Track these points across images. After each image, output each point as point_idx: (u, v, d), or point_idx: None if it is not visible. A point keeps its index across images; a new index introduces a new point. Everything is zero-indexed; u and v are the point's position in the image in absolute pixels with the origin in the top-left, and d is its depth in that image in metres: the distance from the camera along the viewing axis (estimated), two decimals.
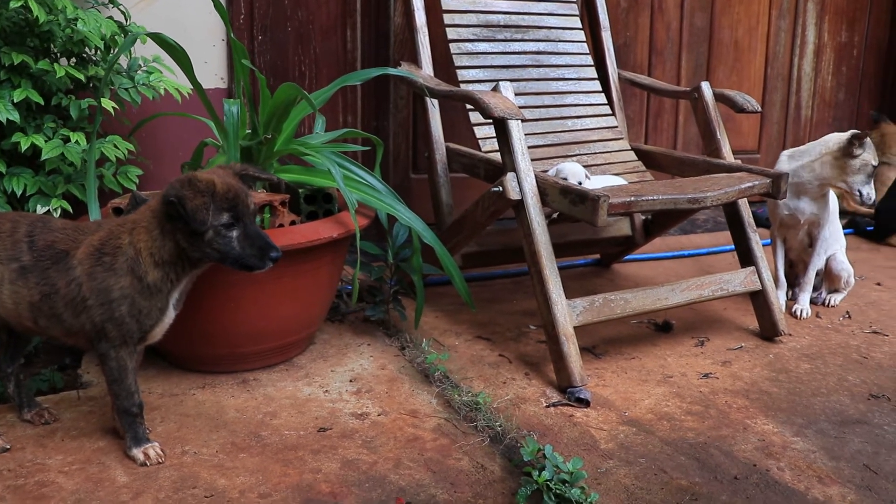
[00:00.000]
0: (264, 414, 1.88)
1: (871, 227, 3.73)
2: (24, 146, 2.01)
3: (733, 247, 2.51)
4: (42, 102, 2.05)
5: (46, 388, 2.00)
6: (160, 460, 1.67)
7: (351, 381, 2.07)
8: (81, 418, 1.84)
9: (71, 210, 2.14)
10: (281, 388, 2.02)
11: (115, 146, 2.18)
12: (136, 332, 1.63)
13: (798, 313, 2.63)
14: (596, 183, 2.34)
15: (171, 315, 1.69)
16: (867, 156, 2.49)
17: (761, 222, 3.38)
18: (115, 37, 2.18)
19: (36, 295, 1.61)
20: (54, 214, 2.08)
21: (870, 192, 2.50)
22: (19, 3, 1.90)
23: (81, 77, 2.12)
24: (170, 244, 1.61)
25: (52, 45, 2.17)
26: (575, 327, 2.03)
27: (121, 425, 1.70)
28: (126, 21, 2.34)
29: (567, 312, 2.02)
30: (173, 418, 1.85)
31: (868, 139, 2.49)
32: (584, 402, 1.96)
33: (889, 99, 4.37)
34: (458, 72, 2.54)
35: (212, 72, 2.77)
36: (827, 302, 2.75)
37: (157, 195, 1.65)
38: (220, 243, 1.59)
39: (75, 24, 2.05)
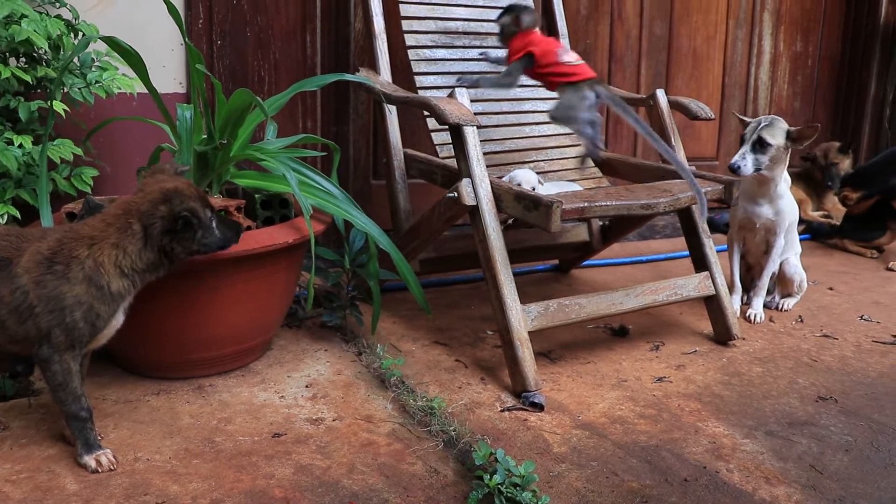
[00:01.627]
0: (219, 420, 1.87)
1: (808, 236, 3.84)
2: None
3: (688, 249, 2.55)
4: None
5: None
6: (112, 467, 1.65)
7: (307, 386, 2.07)
8: (32, 426, 1.81)
9: (19, 216, 2.11)
10: (236, 394, 2.01)
11: (60, 148, 2.15)
12: (88, 336, 1.62)
13: (752, 317, 2.67)
14: (549, 189, 2.35)
15: (119, 319, 1.68)
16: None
17: (718, 228, 3.44)
18: (63, 37, 2.15)
19: None
20: (1, 221, 2.05)
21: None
22: None
23: (29, 78, 2.08)
24: (152, 254, 1.66)
25: None
26: (530, 332, 2.05)
27: (71, 432, 1.68)
28: (75, 20, 2.30)
29: (521, 317, 2.04)
30: (127, 425, 1.83)
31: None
32: (539, 407, 1.97)
33: (843, 108, 4.47)
34: (417, 78, 2.55)
35: (170, 76, 2.75)
36: (780, 306, 2.80)
37: (123, 210, 1.65)
38: (209, 237, 1.72)
39: (19, 24, 2.01)
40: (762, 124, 2.52)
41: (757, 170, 2.52)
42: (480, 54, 2.65)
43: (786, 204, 2.64)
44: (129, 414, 1.89)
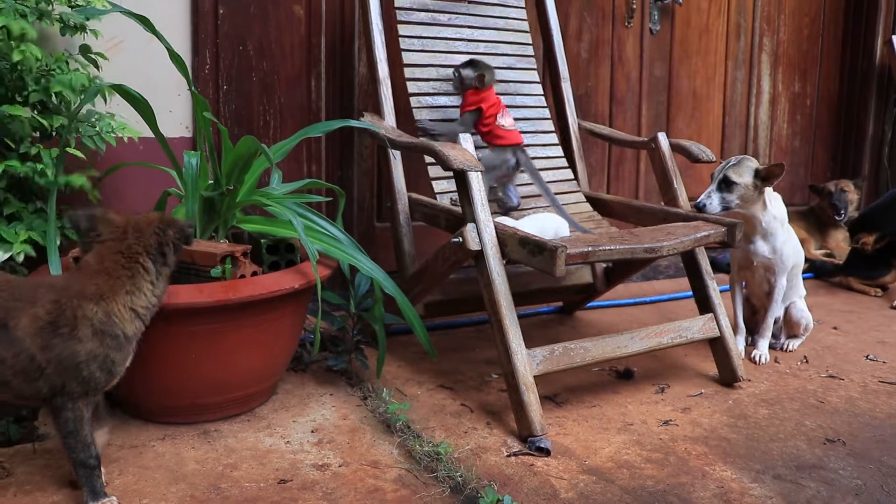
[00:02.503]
0: (224, 466, 1.86)
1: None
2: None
3: (692, 291, 2.55)
4: (12, 146, 2.05)
5: (0, 440, 1.96)
6: None
7: (313, 431, 2.06)
8: (37, 472, 1.81)
9: (34, 254, 2.13)
10: (242, 440, 2.00)
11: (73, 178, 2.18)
12: (104, 383, 1.63)
13: (757, 359, 2.67)
14: (528, 223, 2.36)
15: (131, 356, 1.70)
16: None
17: (721, 268, 3.45)
18: (86, 86, 2.19)
19: None
20: (17, 259, 2.07)
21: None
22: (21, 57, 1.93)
23: (47, 125, 2.12)
24: (164, 282, 1.71)
25: (17, 95, 2.17)
26: (535, 376, 2.05)
27: (78, 479, 1.67)
28: (97, 68, 2.35)
29: (527, 362, 2.04)
30: (132, 471, 1.83)
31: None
32: (545, 452, 1.97)
33: (842, 147, 4.51)
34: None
35: (177, 121, 2.78)
36: (785, 347, 2.80)
37: (124, 256, 1.65)
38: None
39: (50, 77, 2.06)
40: (730, 163, 2.54)
41: (725, 208, 2.53)
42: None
43: (786, 244, 2.63)
44: (134, 459, 1.88)
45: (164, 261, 1.69)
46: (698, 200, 2.51)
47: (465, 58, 2.74)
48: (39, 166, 2.06)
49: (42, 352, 1.56)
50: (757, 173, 2.52)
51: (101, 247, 1.67)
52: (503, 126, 2.55)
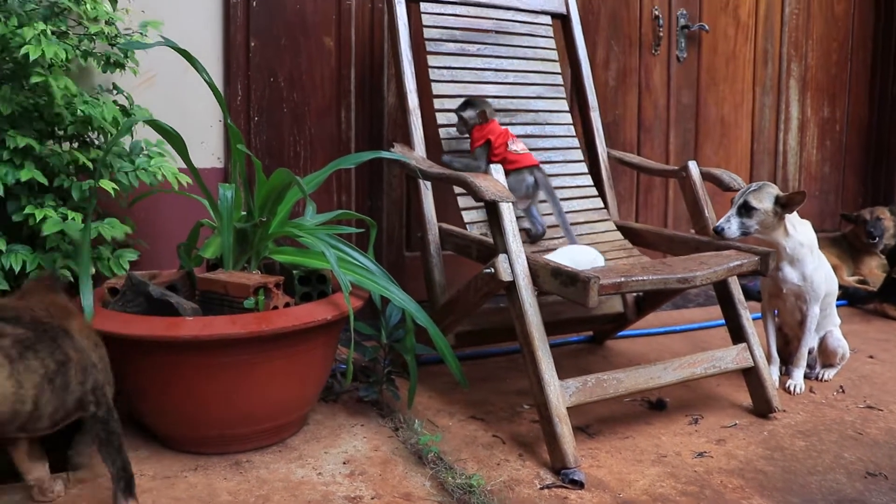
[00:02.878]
0: (257, 497, 1.86)
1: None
2: (38, 217, 2.05)
3: (724, 320, 2.53)
4: (46, 183, 2.09)
5: None
6: None
7: (344, 462, 2.06)
8: (69, 502, 1.82)
9: (73, 279, 2.16)
10: (274, 471, 2.00)
11: (112, 227, 2.22)
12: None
13: (792, 388, 2.63)
14: (563, 255, 2.35)
15: None
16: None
17: (752, 295, 3.41)
18: (118, 120, 2.23)
19: (51, 364, 1.62)
20: None
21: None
22: (40, 79, 1.96)
23: (84, 159, 2.16)
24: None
25: (56, 129, 2.22)
26: (568, 407, 2.03)
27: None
28: (130, 105, 2.40)
29: (560, 393, 2.03)
30: (164, 502, 1.83)
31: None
32: (579, 484, 1.95)
33: (872, 173, 4.47)
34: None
35: (209, 152, 2.82)
36: (820, 376, 2.76)
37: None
38: None
39: (81, 109, 2.10)
40: (751, 189, 2.52)
41: (744, 233, 2.51)
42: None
43: (816, 271, 2.60)
44: (166, 490, 1.89)
45: None
46: (717, 224, 2.50)
47: (494, 88, 2.76)
48: (72, 215, 2.09)
49: (94, 349, 1.74)
50: (777, 200, 2.50)
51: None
52: (515, 151, 2.58)
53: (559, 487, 1.94)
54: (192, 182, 2.27)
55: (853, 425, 2.36)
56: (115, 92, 2.44)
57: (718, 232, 2.49)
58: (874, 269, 3.94)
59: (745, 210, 2.49)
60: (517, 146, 2.60)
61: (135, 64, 2.40)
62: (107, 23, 2.31)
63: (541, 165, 2.60)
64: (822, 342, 2.74)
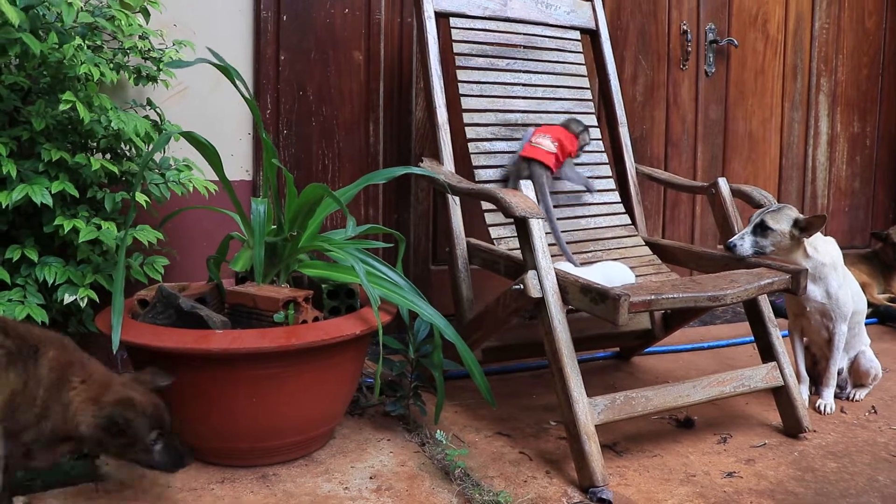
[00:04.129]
0: None
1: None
2: (66, 229, 2.06)
3: (753, 338, 2.50)
4: (77, 195, 2.12)
5: (63, 478, 1.97)
6: None
7: (371, 477, 2.05)
8: None
9: (98, 300, 2.18)
10: (300, 485, 2.00)
11: (146, 233, 2.25)
12: None
13: (822, 408, 2.60)
14: (594, 272, 2.34)
15: None
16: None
17: (781, 313, 3.38)
18: (150, 134, 2.26)
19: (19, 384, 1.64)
20: (81, 304, 2.12)
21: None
22: (68, 106, 1.99)
23: (116, 171, 2.19)
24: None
25: (89, 142, 2.25)
26: (596, 426, 2.02)
27: None
28: (161, 121, 2.43)
29: (588, 411, 2.01)
30: None
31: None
32: (607, 503, 1.93)
33: None
34: (476, 171, 2.60)
35: (237, 164, 2.84)
36: (851, 396, 2.72)
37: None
38: (143, 454, 1.74)
39: (112, 124, 2.13)
40: (770, 209, 2.50)
41: (757, 252, 2.47)
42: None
43: (841, 289, 2.56)
44: (193, 502, 1.89)
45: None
46: (730, 240, 2.48)
47: (523, 103, 2.76)
48: (105, 224, 2.12)
49: (55, 387, 1.69)
50: (796, 223, 2.47)
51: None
52: (532, 142, 2.61)
53: None
54: (219, 191, 2.28)
55: (886, 447, 2.33)
56: (147, 107, 2.47)
57: (730, 248, 2.47)
58: None
59: (761, 229, 2.47)
60: (541, 139, 2.62)
61: (168, 76, 2.43)
62: (140, 37, 2.34)
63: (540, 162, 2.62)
64: (854, 362, 2.71)
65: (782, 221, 2.47)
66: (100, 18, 2.18)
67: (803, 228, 2.47)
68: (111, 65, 2.21)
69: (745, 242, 2.47)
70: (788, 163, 4.06)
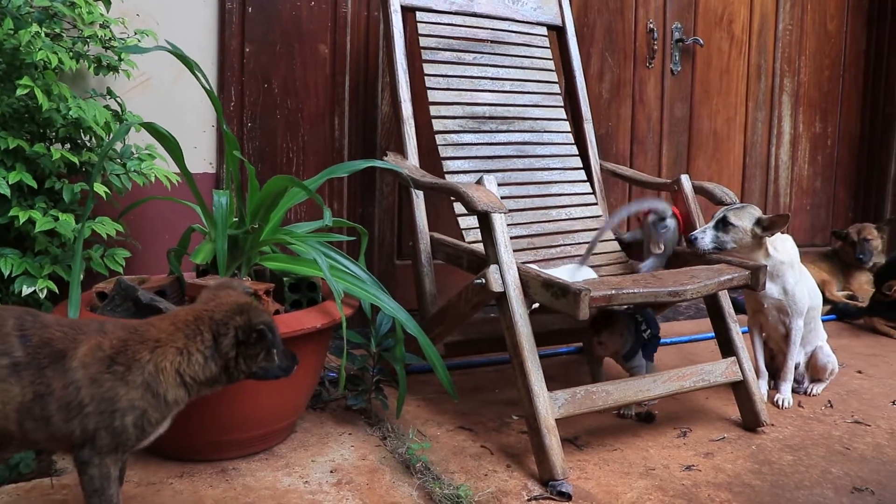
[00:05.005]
0: None
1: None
2: (22, 219, 2.03)
3: (714, 334, 2.53)
4: (35, 185, 2.08)
5: (13, 475, 1.93)
6: None
7: (331, 471, 2.05)
8: None
9: (57, 291, 2.15)
10: (260, 479, 1.99)
11: (104, 225, 2.21)
12: (134, 441, 1.58)
13: (780, 403, 2.63)
14: (561, 273, 2.36)
15: (166, 426, 1.65)
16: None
17: (741, 309, 3.42)
18: (111, 124, 2.23)
19: (29, 394, 1.52)
20: (40, 295, 2.09)
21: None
22: (25, 91, 1.96)
23: (75, 161, 2.16)
24: (216, 367, 1.62)
25: (48, 131, 2.21)
26: (557, 419, 2.03)
27: None
28: (122, 111, 2.40)
29: (549, 405, 2.02)
30: None
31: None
32: (566, 496, 1.94)
33: (864, 187, 4.49)
34: (444, 163, 2.59)
35: (201, 157, 2.81)
36: (809, 391, 2.76)
37: (194, 317, 1.63)
38: (271, 360, 1.69)
39: (71, 112, 2.10)
40: (733, 206, 2.54)
41: (717, 248, 2.51)
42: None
43: (798, 285, 2.60)
44: (151, 497, 1.88)
45: (220, 344, 1.62)
46: (692, 234, 2.51)
47: (490, 96, 2.76)
48: (63, 216, 2.08)
49: (90, 385, 1.53)
50: (759, 222, 2.51)
51: (189, 306, 1.69)
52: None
53: (547, 499, 1.94)
54: (182, 184, 2.26)
55: (840, 440, 2.37)
56: (108, 97, 2.44)
57: (691, 241, 2.50)
58: (864, 285, 3.96)
59: (723, 225, 2.50)
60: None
61: (129, 67, 2.40)
62: (101, 26, 2.30)
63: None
64: (812, 357, 2.75)
65: (745, 219, 2.51)
66: (58, 4, 2.14)
67: (766, 227, 2.50)
68: (70, 53, 2.17)
69: (706, 237, 2.50)
70: (752, 161, 4.11)
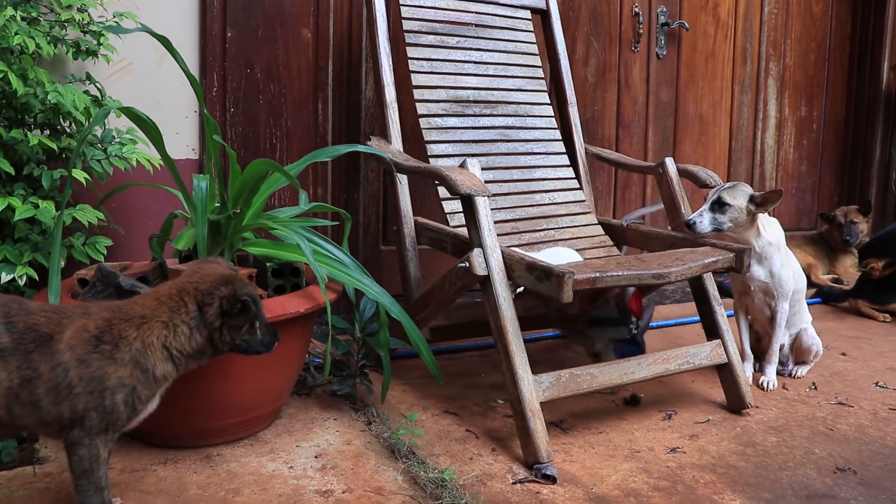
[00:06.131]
0: (227, 491, 1.85)
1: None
2: (0, 207, 2.00)
3: (699, 317, 2.54)
4: (13, 172, 2.06)
5: None
6: None
7: (316, 456, 2.04)
8: (36, 496, 1.79)
9: (37, 278, 2.13)
10: (245, 464, 1.98)
11: (85, 212, 2.19)
12: (125, 420, 1.59)
13: (765, 385, 2.65)
14: (548, 256, 2.36)
15: (155, 403, 1.66)
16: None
17: (727, 292, 3.43)
18: (90, 110, 2.20)
19: (16, 379, 1.52)
20: (20, 282, 2.07)
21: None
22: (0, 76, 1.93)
23: (54, 147, 2.13)
24: (202, 338, 1.65)
25: (26, 116, 2.19)
26: (541, 402, 2.03)
27: None
28: (102, 97, 2.37)
29: (533, 388, 2.02)
30: (133, 495, 1.81)
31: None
32: (551, 479, 1.94)
33: (849, 171, 4.50)
34: (428, 146, 2.58)
35: (183, 142, 2.79)
36: (793, 373, 2.77)
37: (177, 289, 1.65)
38: (254, 334, 1.72)
39: (49, 97, 2.07)
40: (725, 186, 2.54)
41: (716, 230, 2.52)
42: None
43: (784, 268, 2.61)
44: (135, 484, 1.87)
45: (205, 315, 1.64)
46: (689, 218, 2.51)
47: (474, 80, 2.75)
48: (43, 203, 2.06)
49: (78, 366, 1.53)
50: (752, 199, 2.52)
51: (170, 281, 1.71)
52: None
53: (532, 482, 1.94)
54: (165, 170, 2.24)
55: (824, 421, 2.38)
56: (87, 82, 2.41)
57: (690, 226, 2.50)
58: (849, 268, 3.98)
59: (719, 206, 2.51)
60: None
61: (109, 51, 2.37)
62: (79, 9, 2.27)
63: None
64: (797, 340, 2.76)
65: (739, 197, 2.51)
66: None
67: (759, 204, 2.51)
68: (48, 37, 2.15)
69: (703, 220, 2.50)
70: (738, 145, 4.11)
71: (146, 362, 1.59)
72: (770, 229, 2.60)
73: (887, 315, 3.59)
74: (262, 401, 2.12)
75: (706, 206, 2.52)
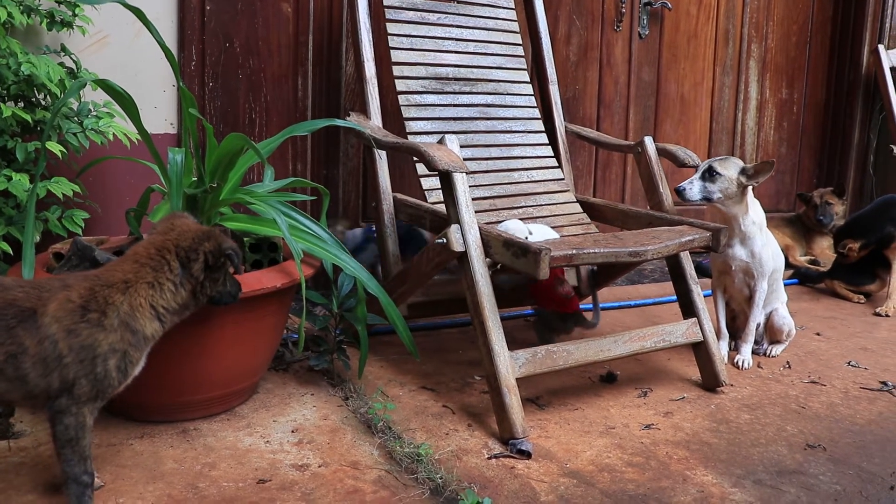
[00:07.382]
0: (203, 465, 1.85)
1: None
2: None
3: (676, 296, 2.55)
4: None
5: None
6: None
7: (293, 431, 2.05)
8: (11, 470, 1.79)
9: (11, 252, 2.11)
10: (221, 439, 1.99)
11: (60, 185, 2.17)
12: (117, 384, 1.60)
13: (740, 363, 2.67)
14: (535, 235, 2.37)
15: (141, 364, 1.67)
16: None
17: (705, 272, 3.46)
18: (65, 82, 2.18)
19: (0, 356, 1.50)
20: None
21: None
22: None
23: (29, 119, 2.11)
24: (186, 293, 1.69)
25: None
26: (518, 378, 2.04)
27: (66, 496, 1.58)
28: (77, 69, 2.34)
29: (509, 364, 2.03)
30: (109, 469, 1.81)
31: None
32: (526, 454, 1.96)
33: (828, 154, 4.53)
34: (407, 123, 2.57)
35: (161, 117, 2.77)
36: (768, 352, 2.80)
37: (157, 248, 1.67)
38: (230, 286, 1.78)
39: (22, 68, 2.04)
40: (717, 158, 2.58)
41: (705, 199, 2.54)
42: None
43: (764, 248, 2.64)
44: (111, 458, 1.87)
45: (190, 270, 1.67)
46: (679, 185, 2.53)
47: (454, 57, 2.74)
48: (16, 176, 2.04)
49: (67, 336, 1.53)
50: (744, 170, 2.54)
51: (144, 240, 1.71)
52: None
53: (507, 457, 1.96)
54: (141, 143, 2.22)
55: (797, 399, 2.41)
56: (62, 54, 2.38)
57: (679, 192, 2.52)
58: (826, 250, 4.02)
59: (709, 175, 2.53)
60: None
61: (84, 23, 2.34)
62: None
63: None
64: (769, 318, 2.79)
65: (730, 168, 2.53)
66: None
67: (751, 175, 2.54)
68: (20, 7, 2.11)
69: (693, 187, 2.52)
70: (718, 126, 4.13)
71: (135, 324, 1.60)
72: (754, 208, 2.62)
73: (861, 296, 3.63)
74: (239, 376, 2.12)
75: (696, 175, 2.54)
